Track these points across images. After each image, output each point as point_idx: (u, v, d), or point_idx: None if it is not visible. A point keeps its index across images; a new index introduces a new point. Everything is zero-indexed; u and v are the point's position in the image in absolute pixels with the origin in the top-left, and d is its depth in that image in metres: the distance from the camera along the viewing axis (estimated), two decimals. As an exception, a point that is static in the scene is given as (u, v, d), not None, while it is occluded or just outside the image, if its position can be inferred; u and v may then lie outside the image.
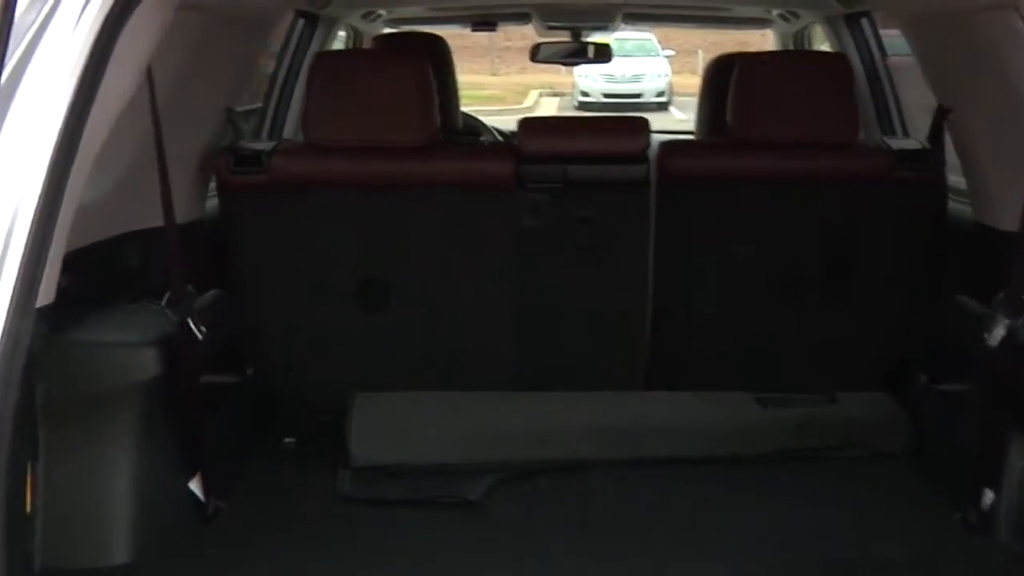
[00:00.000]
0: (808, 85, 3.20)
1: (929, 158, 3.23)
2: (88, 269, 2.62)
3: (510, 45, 24.64)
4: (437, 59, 4.20)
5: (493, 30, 5.43)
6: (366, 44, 4.98)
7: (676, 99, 22.46)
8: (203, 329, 2.53)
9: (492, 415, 3.10)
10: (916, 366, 3.20)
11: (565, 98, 23.92)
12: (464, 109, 5.70)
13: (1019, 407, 2.54)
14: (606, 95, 22.34)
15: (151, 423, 2.51)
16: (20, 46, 1.71)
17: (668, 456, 3.04)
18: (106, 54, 1.86)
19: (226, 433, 2.95)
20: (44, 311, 1.70)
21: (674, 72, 23.74)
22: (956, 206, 3.33)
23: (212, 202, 3.29)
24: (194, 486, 2.69)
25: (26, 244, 1.58)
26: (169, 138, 2.93)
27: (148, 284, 2.74)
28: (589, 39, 5.31)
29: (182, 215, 3.07)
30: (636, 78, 22.73)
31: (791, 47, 5.43)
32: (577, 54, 5.35)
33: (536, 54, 5.43)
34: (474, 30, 5.35)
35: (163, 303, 2.52)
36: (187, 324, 2.51)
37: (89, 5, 1.76)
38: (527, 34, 5.56)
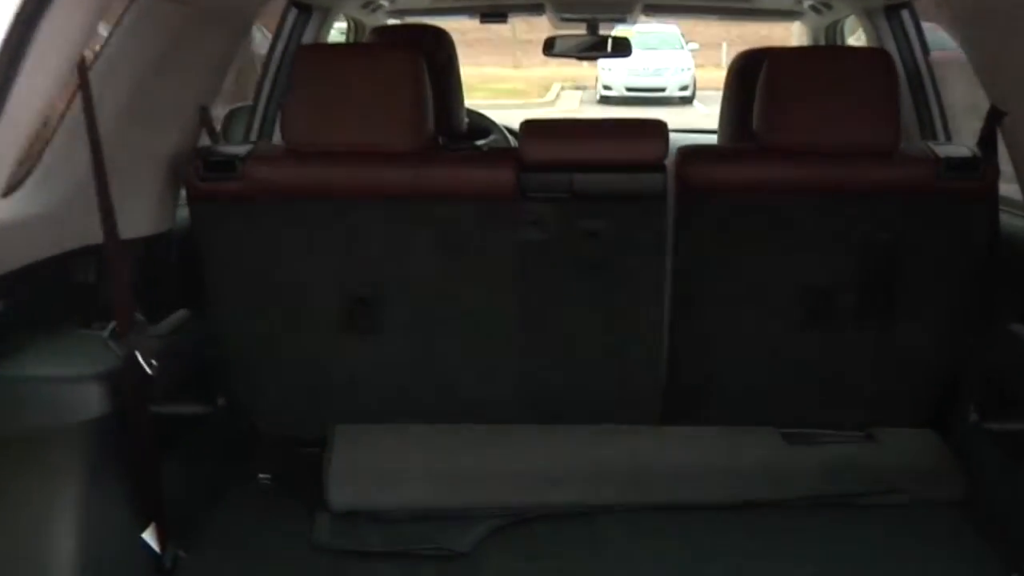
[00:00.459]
0: (846, 85, 2.85)
1: (980, 166, 2.88)
2: (33, 290, 2.32)
3: (532, 38, 24.29)
4: (439, 53, 3.88)
5: (504, 22, 5.10)
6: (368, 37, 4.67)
7: (699, 93, 22.09)
8: (154, 362, 2.22)
9: (489, 453, 2.78)
10: (964, 402, 2.86)
11: (588, 91, 23.58)
12: (481, 104, 5.38)
13: None
14: (629, 89, 21.98)
15: (95, 469, 2.21)
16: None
17: (685, 501, 2.72)
18: (23, 44, 1.57)
19: (192, 471, 2.65)
20: None
21: (697, 66, 23.34)
22: (1010, 220, 2.98)
23: (185, 212, 2.98)
24: (148, 536, 2.39)
25: None
26: (133, 141, 2.64)
27: (103, 307, 2.44)
28: (608, 32, 4.98)
29: (148, 226, 2.78)
30: (659, 72, 22.33)
31: (822, 43, 5.08)
32: (594, 48, 4.99)
33: (550, 48, 5.10)
34: (483, 22, 5.01)
35: (106, 333, 2.21)
36: (134, 357, 2.20)
37: None
38: (553, 27, 5.22)
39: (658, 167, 2.82)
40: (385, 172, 2.82)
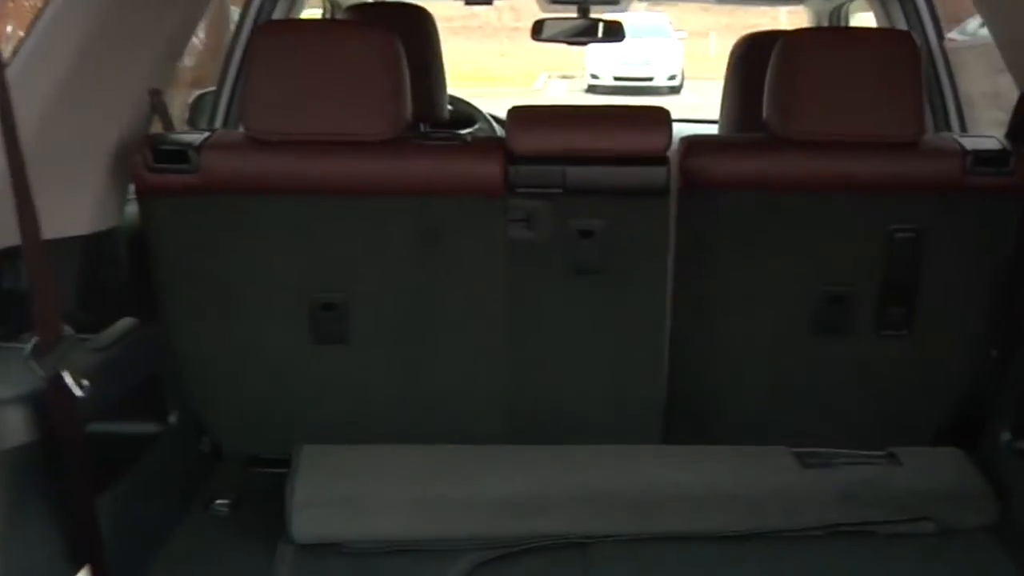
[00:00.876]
0: (866, 69, 2.58)
1: (1011, 160, 2.61)
2: None
3: (520, 25, 23.97)
4: (418, 35, 3.59)
5: (489, 3, 4.81)
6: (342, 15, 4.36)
7: (687, 82, 21.81)
8: (85, 382, 1.93)
9: (472, 477, 2.50)
10: (995, 419, 2.60)
11: (576, 80, 23.25)
12: (465, 92, 5.10)
13: None
14: (617, 78, 21.66)
15: (15, 505, 1.93)
16: None
17: (689, 530, 2.44)
18: None
19: (137, 501, 2.36)
20: None
21: (684, 55, 23.04)
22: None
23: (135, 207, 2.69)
24: (82, 580, 2.11)
25: None
26: (69, 128, 2.35)
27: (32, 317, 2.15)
28: (599, 16, 4.70)
29: (88, 223, 2.48)
30: (648, 61, 22.02)
31: (825, 23, 4.81)
32: (585, 32, 4.72)
33: (539, 31, 4.82)
34: (468, 3, 4.72)
35: (28, 350, 1.92)
36: (59, 376, 1.91)
37: None
38: (540, 14, 4.94)
39: (661, 160, 2.54)
40: (356, 164, 2.53)
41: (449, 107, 5.00)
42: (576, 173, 2.55)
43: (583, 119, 2.61)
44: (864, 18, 4.67)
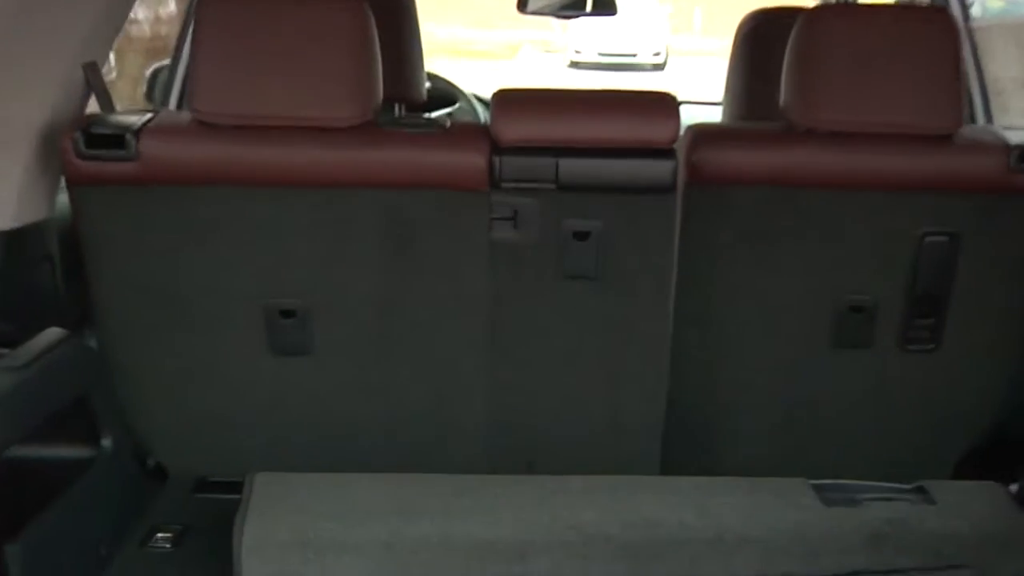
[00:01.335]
0: (898, 51, 2.27)
1: None
2: None
3: (500, -2, 23.57)
4: (393, 5, 3.26)
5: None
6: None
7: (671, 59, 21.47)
8: None
9: (449, 512, 2.19)
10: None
11: (559, 55, 22.84)
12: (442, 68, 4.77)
13: None
14: (602, 54, 21.26)
15: None
16: None
17: (696, 575, 2.15)
18: None
19: (61, 543, 2.05)
20: None
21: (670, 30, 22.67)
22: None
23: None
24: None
25: None
26: None
27: None
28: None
29: (14, 216, 2.18)
30: (631, 36, 21.63)
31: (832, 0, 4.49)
32: (574, 5, 4.39)
33: (524, 5, 4.49)
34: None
35: None
36: None
37: None
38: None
39: (667, 152, 2.23)
40: (319, 153, 2.21)
41: (427, 84, 4.68)
42: (570, 166, 2.23)
43: (579, 104, 2.29)
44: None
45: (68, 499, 2.10)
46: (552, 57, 23.07)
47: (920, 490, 2.30)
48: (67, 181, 2.24)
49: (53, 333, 2.10)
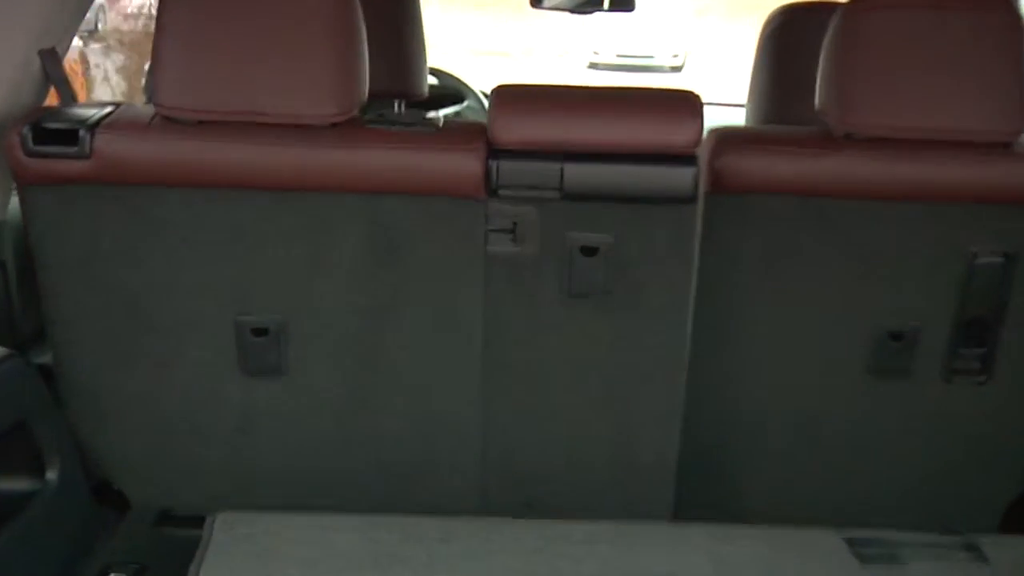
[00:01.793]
0: (953, 48, 2.02)
1: None
2: None
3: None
4: None
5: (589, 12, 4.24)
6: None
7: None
8: None
9: (437, 565, 1.94)
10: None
11: (581, 56, 22.59)
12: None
13: None
14: (620, 55, 20.98)
15: None
16: None
17: None
18: None
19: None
20: None
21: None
22: None
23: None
24: None
25: None
26: None
27: None
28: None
29: None
30: (649, 38, 21.34)
31: None
32: (591, 1, 4.16)
33: (539, -1, 4.25)
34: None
35: None
36: None
37: None
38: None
39: (688, 158, 1.98)
40: (295, 152, 1.97)
41: (434, 80, 4.44)
42: (577, 173, 1.98)
43: (588, 103, 2.03)
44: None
45: (5, 539, 1.86)
46: (570, 58, 22.84)
47: (971, 547, 2.04)
48: (15, 180, 2.01)
49: None
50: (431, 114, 4.07)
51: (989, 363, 2.18)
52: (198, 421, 2.18)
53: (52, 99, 2.22)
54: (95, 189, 1.98)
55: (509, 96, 2.00)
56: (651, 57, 21.17)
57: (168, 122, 1.96)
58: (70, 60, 6.69)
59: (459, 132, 2.02)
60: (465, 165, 1.97)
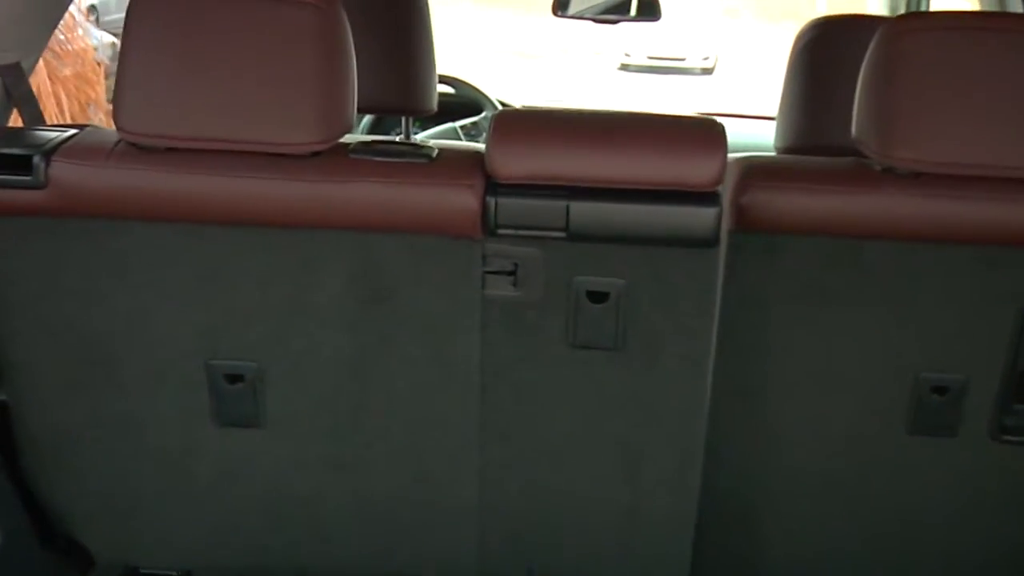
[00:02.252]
0: (1009, 71, 1.80)
1: None
2: None
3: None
4: (401, 1, 2.82)
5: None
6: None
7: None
8: None
9: None
10: None
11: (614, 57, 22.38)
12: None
13: None
14: (651, 57, 20.75)
15: None
16: None
17: None
18: None
19: None
20: None
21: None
22: None
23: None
24: None
25: None
26: None
27: None
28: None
29: None
30: (680, 40, 21.09)
31: (902, 10, 4.01)
32: (616, 9, 3.96)
33: (564, 6, 4.05)
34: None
35: None
36: None
37: None
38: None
39: (710, 197, 1.77)
40: (273, 185, 1.78)
41: (451, 90, 4.24)
42: (585, 211, 1.78)
43: (598, 133, 1.82)
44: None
45: None
46: (601, 60, 22.63)
47: None
48: None
49: None
50: (459, 123, 3.89)
51: None
52: (167, 474, 2.00)
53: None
54: (52, 222, 1.81)
55: (510, 124, 1.80)
56: (682, 59, 20.94)
57: (133, 149, 1.77)
58: (92, 63, 6.50)
59: (454, 164, 1.82)
60: (460, 201, 1.77)
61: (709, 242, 1.77)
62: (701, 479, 1.99)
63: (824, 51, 2.63)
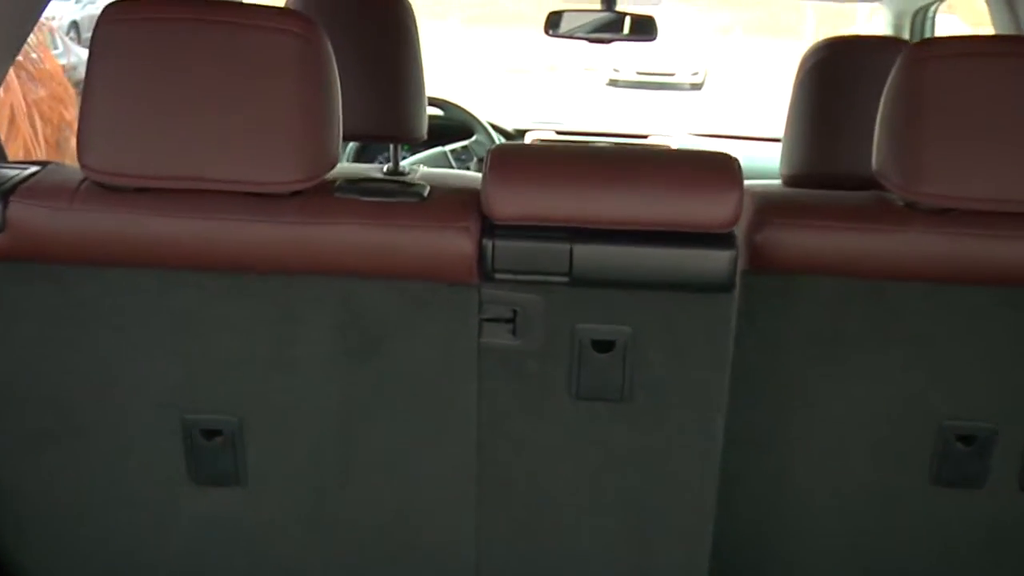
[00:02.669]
0: None
1: None
2: None
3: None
4: (388, 27, 2.69)
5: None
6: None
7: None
8: None
9: None
10: None
11: (603, 73, 22.34)
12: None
13: None
14: (640, 73, 20.70)
15: None
16: None
17: None
18: None
19: None
20: None
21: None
22: None
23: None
24: None
25: None
26: None
27: None
28: (626, 9, 3.84)
29: None
30: (669, 56, 21.06)
31: (904, 34, 3.89)
32: (610, 28, 3.86)
33: (556, 25, 3.94)
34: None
35: None
36: None
37: None
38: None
39: (725, 238, 1.64)
40: (251, 228, 1.64)
41: (440, 112, 4.12)
42: (589, 254, 1.65)
43: (601, 171, 1.69)
44: (946, 20, 3.79)
45: None
46: (591, 75, 22.59)
47: None
48: None
49: None
50: (449, 147, 3.76)
51: None
52: (141, 536, 1.86)
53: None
54: (13, 267, 1.67)
55: (507, 161, 1.67)
56: (671, 75, 20.91)
57: (99, 189, 1.64)
58: (65, 82, 6.30)
59: (447, 203, 1.69)
60: (454, 244, 1.64)
61: (724, 287, 1.64)
62: (713, 536, 1.87)
63: (830, 72, 2.51)
